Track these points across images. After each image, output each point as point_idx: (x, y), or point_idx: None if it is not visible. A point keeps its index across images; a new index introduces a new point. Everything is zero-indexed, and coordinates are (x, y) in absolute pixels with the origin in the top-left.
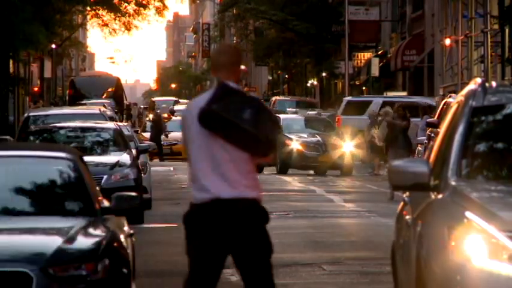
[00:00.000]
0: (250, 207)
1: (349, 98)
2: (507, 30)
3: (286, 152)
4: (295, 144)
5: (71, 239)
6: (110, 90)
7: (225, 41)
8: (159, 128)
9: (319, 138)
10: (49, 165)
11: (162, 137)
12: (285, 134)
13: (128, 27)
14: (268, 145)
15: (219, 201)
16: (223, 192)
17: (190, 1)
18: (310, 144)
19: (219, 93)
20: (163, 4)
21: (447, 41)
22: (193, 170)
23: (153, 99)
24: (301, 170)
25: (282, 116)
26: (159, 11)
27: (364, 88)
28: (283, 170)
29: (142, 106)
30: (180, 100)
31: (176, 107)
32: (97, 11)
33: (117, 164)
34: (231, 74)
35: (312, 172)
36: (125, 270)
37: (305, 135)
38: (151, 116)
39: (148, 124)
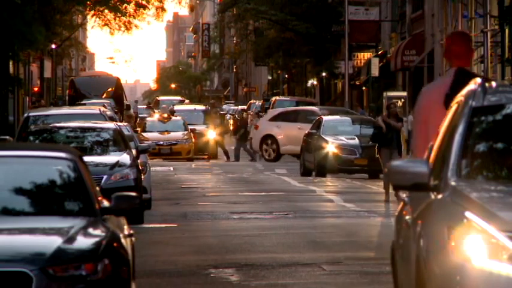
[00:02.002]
0: None
1: None
2: (507, 30)
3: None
4: (331, 146)
5: (70, 239)
6: (109, 90)
7: (225, 41)
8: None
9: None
10: (49, 165)
11: (159, 135)
12: (323, 136)
13: (128, 27)
14: None
15: None
16: None
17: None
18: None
19: (460, 78)
20: (162, 5)
21: None
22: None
23: (158, 98)
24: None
25: (325, 118)
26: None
27: (364, 88)
28: (320, 173)
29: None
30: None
31: (176, 107)
32: (97, 11)
33: (117, 164)
34: (466, 60)
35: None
36: (124, 270)
37: (343, 138)
38: (156, 115)
39: (149, 124)
